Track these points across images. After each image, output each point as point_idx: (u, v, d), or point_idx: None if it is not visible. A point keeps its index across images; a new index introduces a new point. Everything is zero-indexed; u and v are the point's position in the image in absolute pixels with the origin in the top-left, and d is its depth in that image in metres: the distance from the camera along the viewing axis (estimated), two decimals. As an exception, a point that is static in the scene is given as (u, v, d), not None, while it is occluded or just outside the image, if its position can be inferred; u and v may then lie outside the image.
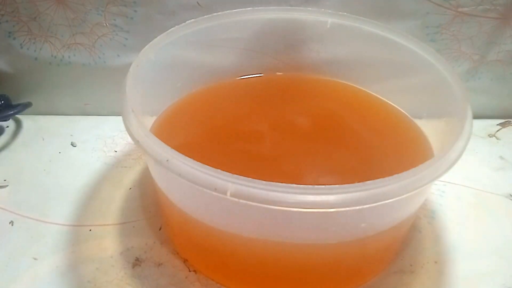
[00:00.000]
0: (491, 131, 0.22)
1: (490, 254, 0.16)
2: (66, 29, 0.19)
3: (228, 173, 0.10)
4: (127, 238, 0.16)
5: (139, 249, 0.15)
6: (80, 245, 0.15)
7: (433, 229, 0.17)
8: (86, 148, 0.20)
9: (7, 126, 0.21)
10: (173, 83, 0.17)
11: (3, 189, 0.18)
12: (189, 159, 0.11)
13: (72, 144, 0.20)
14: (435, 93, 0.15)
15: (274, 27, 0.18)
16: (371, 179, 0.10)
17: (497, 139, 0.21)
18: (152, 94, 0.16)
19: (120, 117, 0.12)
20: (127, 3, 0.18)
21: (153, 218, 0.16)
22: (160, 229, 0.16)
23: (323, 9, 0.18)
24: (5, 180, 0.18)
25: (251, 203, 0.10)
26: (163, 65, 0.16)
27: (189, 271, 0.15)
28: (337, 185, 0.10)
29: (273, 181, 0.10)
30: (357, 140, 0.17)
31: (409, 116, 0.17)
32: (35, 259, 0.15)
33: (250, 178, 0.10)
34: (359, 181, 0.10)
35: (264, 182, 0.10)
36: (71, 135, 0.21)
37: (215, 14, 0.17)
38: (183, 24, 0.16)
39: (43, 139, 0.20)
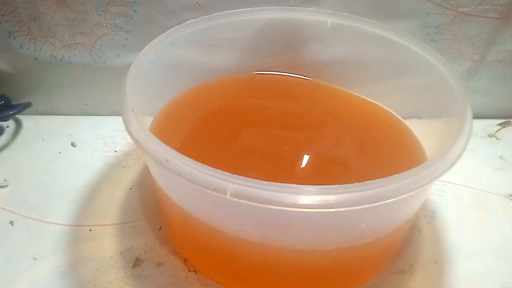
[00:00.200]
0: (491, 131, 0.22)
1: (490, 254, 0.16)
2: (66, 29, 0.19)
3: (228, 173, 0.10)
4: (127, 238, 0.16)
5: (139, 249, 0.15)
6: (80, 245, 0.15)
7: (433, 229, 0.17)
8: (86, 148, 0.20)
9: (7, 126, 0.21)
10: (173, 83, 0.17)
11: (3, 189, 0.18)
12: (189, 159, 0.11)
13: (72, 144, 0.20)
14: (435, 93, 0.15)
15: (274, 27, 0.18)
16: (368, 179, 0.10)
17: (497, 139, 0.21)
18: (152, 94, 0.16)
19: (120, 117, 0.12)
20: (127, 3, 0.18)
21: (153, 218, 0.16)
22: (160, 229, 0.16)
23: (323, 9, 0.18)
24: (5, 180, 0.18)
25: (251, 203, 0.10)
26: (163, 65, 0.16)
27: (189, 271, 0.15)
28: (337, 185, 0.10)
29: (272, 181, 0.10)
30: (357, 140, 0.17)
31: (400, 118, 0.17)
32: (35, 259, 0.15)
33: (249, 178, 0.10)
34: (357, 181, 0.10)
35: (263, 182, 0.10)
36: (71, 135, 0.21)
37: (215, 14, 0.17)
38: (183, 24, 0.16)
39: (43, 139, 0.20)
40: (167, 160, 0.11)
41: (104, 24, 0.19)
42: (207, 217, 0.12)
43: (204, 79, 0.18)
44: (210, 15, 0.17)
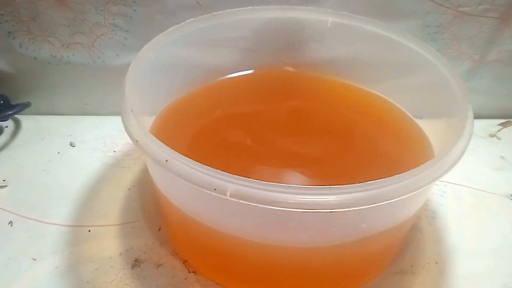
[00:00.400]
0: (491, 131, 0.22)
1: (490, 254, 0.16)
2: (66, 29, 0.19)
3: (228, 173, 0.10)
4: (127, 238, 0.16)
5: (138, 249, 0.15)
6: (79, 245, 0.15)
7: (434, 230, 0.16)
8: (86, 148, 0.20)
9: (6, 126, 0.21)
10: (173, 82, 0.17)
11: (2, 189, 0.18)
12: (188, 159, 0.11)
13: (72, 144, 0.20)
14: (436, 93, 0.15)
15: (274, 26, 0.18)
16: (371, 179, 0.10)
17: (498, 139, 0.21)
18: (152, 94, 0.16)
19: (120, 117, 0.12)
20: (126, 2, 0.18)
21: (153, 219, 0.16)
22: (159, 229, 0.16)
23: (323, 8, 0.18)
24: (4, 180, 0.18)
25: (251, 203, 0.10)
26: (163, 64, 0.16)
27: (189, 272, 0.15)
28: (337, 186, 0.10)
29: (272, 181, 0.10)
30: (358, 139, 0.16)
31: (410, 115, 0.17)
32: (34, 259, 0.15)
33: (249, 179, 0.10)
34: (359, 181, 0.10)
35: (264, 182, 0.10)
36: (71, 135, 0.20)
37: (214, 13, 0.17)
38: (183, 23, 0.16)
39: (42, 139, 0.20)
40: (166, 161, 0.11)
41: (104, 24, 0.19)
42: (207, 218, 0.12)
43: (204, 78, 0.18)
44: (210, 14, 0.16)
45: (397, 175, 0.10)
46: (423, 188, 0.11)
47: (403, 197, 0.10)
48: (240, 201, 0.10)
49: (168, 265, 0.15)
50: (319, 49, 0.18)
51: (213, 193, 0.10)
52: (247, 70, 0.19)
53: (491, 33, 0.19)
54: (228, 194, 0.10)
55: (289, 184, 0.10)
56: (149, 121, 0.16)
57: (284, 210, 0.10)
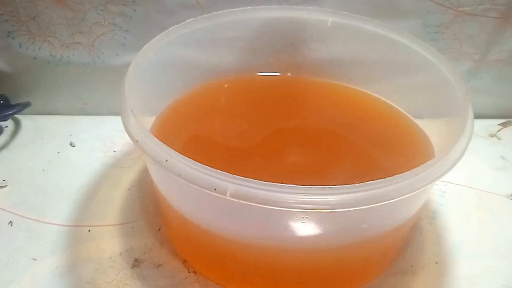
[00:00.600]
0: (492, 131, 0.22)
1: (491, 254, 0.16)
2: (65, 29, 0.19)
3: (227, 173, 0.10)
4: (126, 238, 0.16)
5: (138, 249, 0.15)
6: (79, 245, 0.15)
7: (434, 230, 0.16)
8: (85, 148, 0.20)
9: (6, 126, 0.21)
10: (173, 82, 0.17)
11: (2, 189, 0.18)
12: (188, 159, 0.10)
13: (71, 144, 0.20)
14: (436, 92, 0.15)
15: (274, 26, 0.18)
16: (372, 180, 0.10)
17: (498, 139, 0.21)
18: (151, 93, 0.16)
19: (119, 117, 0.12)
20: (126, 2, 0.18)
21: (152, 219, 0.16)
22: (159, 229, 0.16)
23: (323, 8, 0.18)
24: (4, 180, 0.18)
25: (251, 203, 0.10)
26: (163, 64, 0.16)
27: (189, 272, 0.15)
28: (338, 186, 0.10)
29: (273, 182, 0.10)
30: (358, 140, 0.16)
31: (409, 116, 0.17)
32: (34, 259, 0.15)
33: (249, 179, 0.10)
34: (360, 182, 0.10)
35: (264, 182, 0.10)
36: (70, 135, 0.20)
37: (214, 13, 0.16)
38: (183, 23, 0.16)
39: (42, 139, 0.20)
40: (166, 161, 0.11)
41: (103, 24, 0.19)
42: (206, 220, 0.12)
43: (204, 78, 0.18)
44: (210, 14, 0.16)
45: (397, 175, 0.10)
46: (423, 188, 0.11)
47: (403, 197, 0.10)
48: (240, 201, 0.10)
49: (168, 265, 0.15)
50: (319, 49, 0.18)
51: (213, 193, 0.10)
52: (247, 70, 0.19)
53: (492, 33, 0.19)
54: (228, 194, 0.10)
55: (289, 184, 0.10)
56: (149, 121, 0.16)
57: (284, 210, 0.10)
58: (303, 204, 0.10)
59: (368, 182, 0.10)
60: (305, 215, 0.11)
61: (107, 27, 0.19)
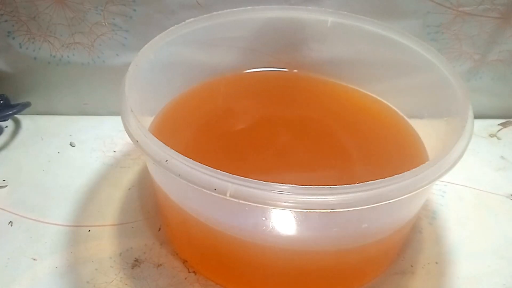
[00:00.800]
0: (492, 131, 0.22)
1: (490, 254, 0.16)
2: (65, 29, 0.19)
3: (227, 174, 0.10)
4: (126, 238, 0.16)
5: (138, 250, 0.15)
6: (79, 245, 0.15)
7: (434, 230, 0.16)
8: (85, 148, 0.20)
9: (6, 126, 0.21)
10: (172, 82, 0.17)
11: (2, 189, 0.18)
12: (188, 159, 0.11)
13: (71, 144, 0.20)
14: (436, 92, 0.15)
15: (274, 26, 0.18)
16: (370, 180, 0.10)
17: (498, 139, 0.21)
18: (151, 93, 0.16)
19: (119, 117, 0.12)
20: (126, 2, 0.18)
21: (152, 219, 0.16)
22: (159, 229, 0.16)
23: (323, 8, 0.18)
24: (4, 180, 0.18)
25: (251, 203, 0.10)
26: (162, 64, 0.16)
27: (189, 272, 0.15)
28: (337, 186, 0.10)
29: (273, 181, 0.10)
30: (357, 140, 0.16)
31: (404, 117, 0.17)
32: (34, 259, 0.15)
33: (249, 179, 0.10)
34: (356, 182, 0.10)
35: (264, 182, 0.10)
36: (70, 135, 0.20)
37: (214, 13, 0.16)
38: (183, 23, 0.16)
39: (42, 139, 0.20)
40: (166, 161, 0.11)
41: (103, 24, 0.19)
42: (207, 218, 0.12)
43: (204, 78, 0.18)
44: (210, 14, 0.16)
45: (397, 175, 0.10)
46: (423, 188, 0.11)
47: (403, 197, 0.10)
48: (240, 201, 0.10)
49: (168, 265, 0.15)
50: (319, 49, 0.18)
51: (213, 193, 0.10)
52: (247, 70, 0.19)
53: (492, 33, 0.19)
54: (228, 195, 0.10)
55: (289, 184, 0.10)
56: (149, 121, 0.16)
57: (284, 210, 0.10)
58: (303, 204, 0.10)
59: (367, 182, 0.10)
60: (305, 215, 0.11)
61: (107, 27, 0.19)
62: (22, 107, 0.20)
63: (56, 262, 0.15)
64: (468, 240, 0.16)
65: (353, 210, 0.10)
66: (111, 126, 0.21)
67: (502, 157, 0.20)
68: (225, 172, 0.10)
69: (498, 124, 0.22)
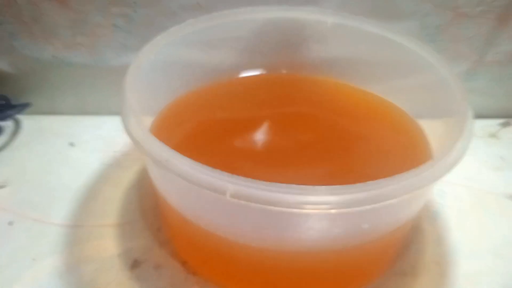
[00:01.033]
0: (490, 131, 0.22)
1: (490, 254, 0.16)
2: (67, 30, 0.19)
3: (228, 174, 0.10)
4: (126, 239, 0.16)
5: (137, 250, 0.15)
6: (79, 245, 0.15)
7: (434, 230, 0.16)
8: (86, 148, 0.20)
9: (7, 126, 0.21)
10: (173, 82, 0.17)
11: (2, 189, 0.18)
12: (188, 159, 0.11)
13: (72, 144, 0.20)
14: (435, 93, 0.15)
15: (274, 26, 0.18)
16: (371, 180, 0.10)
17: (497, 139, 0.21)
18: (152, 94, 0.16)
19: (120, 117, 0.12)
20: (127, 3, 0.18)
21: (152, 219, 0.16)
22: (159, 230, 0.16)
23: (323, 9, 0.18)
24: (4, 180, 0.18)
25: (251, 204, 0.10)
26: (163, 65, 0.16)
27: (188, 273, 0.14)
28: (337, 186, 0.10)
29: (273, 182, 0.10)
30: (357, 140, 0.17)
31: (409, 114, 0.17)
32: (34, 259, 0.15)
33: (250, 179, 0.10)
34: (359, 182, 0.10)
35: (264, 182, 0.10)
36: (71, 135, 0.20)
37: (215, 13, 0.17)
38: (183, 24, 0.16)
39: (43, 139, 0.20)
40: (166, 160, 0.11)
41: (105, 25, 0.19)
42: (206, 221, 0.12)
43: (204, 79, 0.18)
44: (210, 14, 0.16)
45: (397, 175, 0.10)
46: (423, 188, 0.11)
47: (404, 197, 0.10)
48: (240, 201, 0.10)
49: (167, 266, 0.15)
50: (319, 50, 0.18)
51: (213, 194, 0.10)
52: (247, 70, 0.19)
53: (489, 34, 0.19)
54: (228, 195, 0.10)
55: (289, 184, 0.10)
56: (149, 121, 0.16)
57: (284, 210, 0.10)
58: (303, 204, 0.10)
59: (368, 182, 0.10)
60: (305, 216, 0.11)
61: (109, 28, 0.19)
62: (23, 107, 0.20)
63: (56, 262, 0.15)
64: (468, 240, 0.16)
65: (354, 210, 0.10)
66: (111, 126, 0.21)
67: (501, 157, 0.20)
68: (225, 172, 0.10)
69: (497, 124, 0.22)
